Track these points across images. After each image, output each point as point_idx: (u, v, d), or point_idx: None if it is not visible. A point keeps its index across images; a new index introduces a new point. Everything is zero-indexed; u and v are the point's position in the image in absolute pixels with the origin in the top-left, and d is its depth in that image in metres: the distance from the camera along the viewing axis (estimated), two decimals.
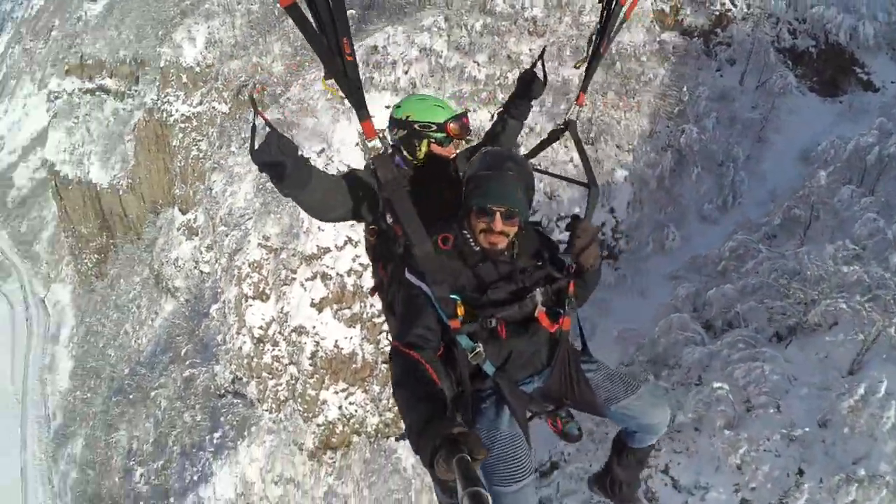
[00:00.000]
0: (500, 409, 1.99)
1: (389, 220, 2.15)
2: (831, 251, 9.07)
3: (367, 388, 12.74)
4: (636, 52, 13.19)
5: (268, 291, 13.22)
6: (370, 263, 2.43)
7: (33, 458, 31.82)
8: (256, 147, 1.63)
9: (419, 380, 1.62)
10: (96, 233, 28.45)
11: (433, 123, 2.28)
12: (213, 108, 17.08)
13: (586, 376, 2.12)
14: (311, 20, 1.37)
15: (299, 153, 1.75)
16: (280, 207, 13.20)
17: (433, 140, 2.31)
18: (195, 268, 18.72)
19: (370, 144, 1.67)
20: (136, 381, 21.89)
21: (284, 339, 13.01)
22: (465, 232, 1.92)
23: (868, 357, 7.60)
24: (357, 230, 12.82)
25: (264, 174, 1.71)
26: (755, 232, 11.07)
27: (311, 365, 12.74)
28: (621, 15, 2.14)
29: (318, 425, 13.38)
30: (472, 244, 1.91)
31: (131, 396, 21.89)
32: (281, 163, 1.68)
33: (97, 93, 24.65)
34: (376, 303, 12.23)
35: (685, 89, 12.94)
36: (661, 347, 9.83)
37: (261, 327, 13.41)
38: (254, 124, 1.59)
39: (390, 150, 1.89)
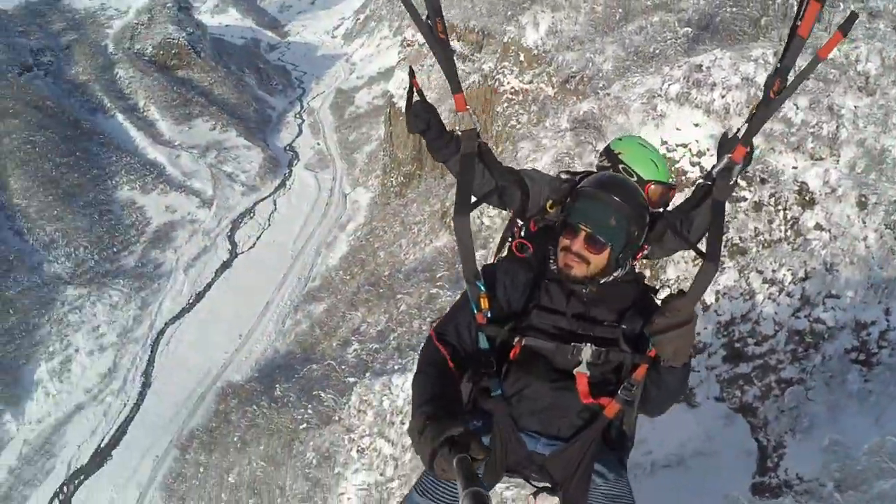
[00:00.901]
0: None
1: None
2: None
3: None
4: None
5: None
6: None
7: (282, 298, 40.42)
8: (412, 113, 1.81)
9: (438, 377, 1.61)
10: (410, 160, 34.68)
11: (636, 174, 2.22)
12: (541, 87, 19.82)
13: (592, 481, 1.81)
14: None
15: (441, 128, 1.85)
16: None
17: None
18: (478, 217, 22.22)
19: (460, 115, 1.77)
20: (391, 281, 25.39)
21: None
22: (551, 247, 1.83)
23: None
24: None
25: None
26: None
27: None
28: (810, 50, 1.81)
29: None
30: (551, 261, 1.81)
31: (381, 291, 25.41)
32: (426, 129, 1.82)
33: None
34: None
35: None
36: (859, 466, 9.08)
37: None
38: (410, 92, 1.76)
39: (478, 128, 1.84)
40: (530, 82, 19.92)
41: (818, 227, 12.60)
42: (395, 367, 17.42)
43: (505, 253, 2.04)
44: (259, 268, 43.68)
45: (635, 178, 2.16)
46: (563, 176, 2.12)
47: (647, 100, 14.42)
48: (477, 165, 1.88)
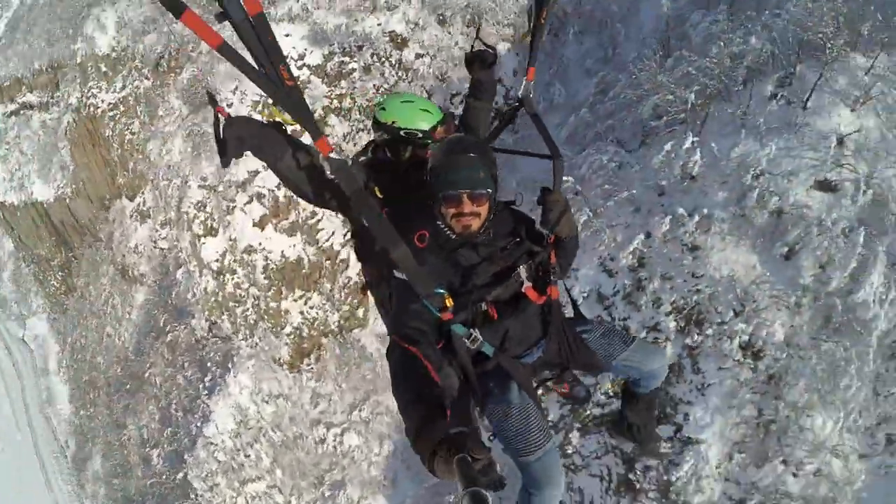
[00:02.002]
0: (507, 385, 2.10)
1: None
2: (671, 63, 10.74)
3: (320, 289, 14.11)
4: None
5: (215, 226, 14.45)
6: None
7: (60, 493, 32.51)
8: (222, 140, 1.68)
9: (417, 379, 1.65)
10: (54, 250, 28.95)
11: (420, 131, 2.27)
12: (137, 87, 17.98)
13: (583, 338, 2.20)
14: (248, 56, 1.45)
15: (245, 124, 1.78)
16: (210, 149, 14.40)
17: (420, 146, 2.31)
18: (155, 247, 19.81)
19: (328, 161, 1.71)
20: (130, 372, 22.60)
21: (238, 264, 14.27)
22: (439, 223, 1.97)
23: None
24: None
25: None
26: (623, 71, 12.62)
27: (266, 279, 14.06)
28: None
29: (288, 335, 14.72)
30: (448, 232, 1.96)
31: (129, 387, 22.74)
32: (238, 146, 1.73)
33: (21, 112, 25.11)
34: (308, 207, 13.57)
35: None
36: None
37: (216, 260, 14.61)
38: (216, 120, 1.68)
39: (350, 161, 1.85)
40: (123, 87, 17.98)
41: (418, 55, 13.84)
42: (198, 423, 16.48)
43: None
44: None
45: (421, 136, 2.26)
46: (361, 159, 2.33)
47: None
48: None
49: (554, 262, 2.06)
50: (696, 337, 8.73)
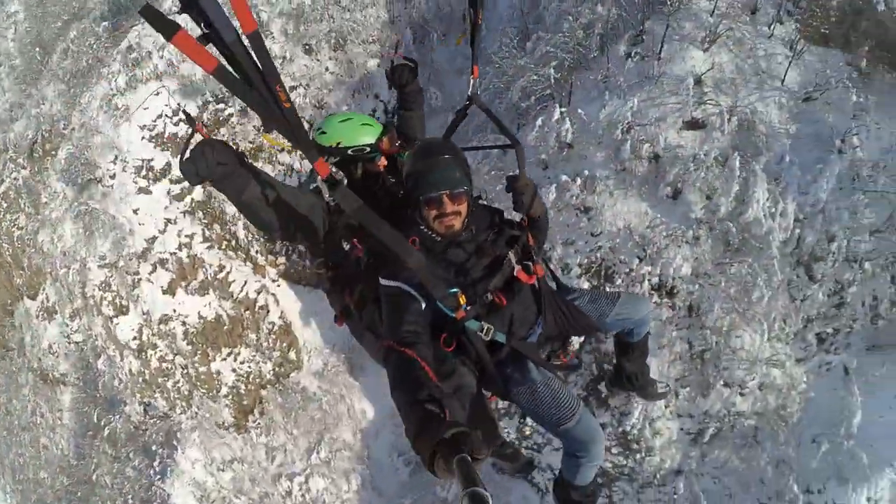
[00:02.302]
0: (525, 367, 2.18)
1: (346, 245, 2.17)
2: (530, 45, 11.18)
3: (246, 341, 13.64)
4: None
5: (125, 303, 13.77)
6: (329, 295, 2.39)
7: None
8: (191, 157, 1.57)
9: (415, 380, 1.66)
10: None
11: (367, 146, 2.30)
12: (15, 178, 17.00)
13: (575, 305, 2.39)
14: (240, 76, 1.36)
15: (238, 159, 1.69)
16: (100, 225, 13.75)
17: (369, 160, 2.34)
18: (69, 343, 18.66)
19: (322, 182, 1.69)
20: (76, 479, 21.46)
21: (157, 336, 13.63)
22: (423, 227, 2.05)
23: None
24: (173, 209, 13.63)
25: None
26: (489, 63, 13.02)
27: (189, 345, 13.48)
28: None
29: (225, 397, 14.14)
30: (434, 235, 2.04)
31: (80, 495, 21.36)
32: (212, 173, 1.62)
33: None
34: (214, 263, 13.14)
35: None
36: None
37: (134, 338, 13.92)
38: (189, 136, 1.58)
39: (345, 181, 1.85)
40: (1, 182, 17.05)
41: (292, 88, 13.74)
42: None
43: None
44: None
45: (368, 150, 2.30)
46: (312, 186, 2.22)
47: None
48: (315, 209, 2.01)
49: (532, 242, 2.21)
50: (609, 289, 9.00)
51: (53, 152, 16.56)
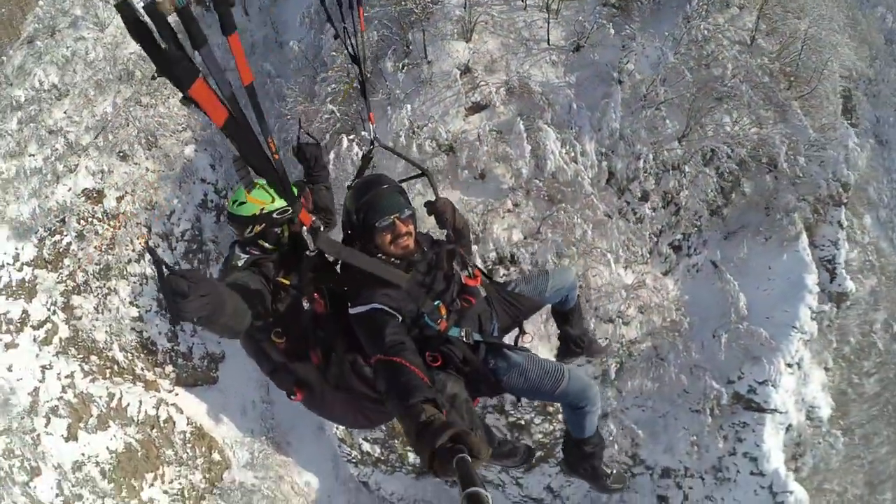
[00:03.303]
0: (504, 355, 2.29)
1: (306, 304, 2.14)
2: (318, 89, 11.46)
3: (166, 460, 13.29)
4: None
5: (34, 464, 13.23)
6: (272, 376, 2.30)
7: None
8: (176, 302, 1.48)
9: (408, 384, 1.69)
10: None
11: (275, 206, 2.25)
12: None
13: (517, 293, 2.59)
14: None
15: (210, 280, 1.64)
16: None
17: (290, 221, 2.30)
18: None
19: (307, 233, 1.75)
20: None
21: (76, 485, 13.13)
22: (380, 256, 2.13)
23: None
24: (45, 355, 13.20)
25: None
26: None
27: (110, 483, 13.06)
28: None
29: None
30: (392, 260, 2.13)
31: None
32: (203, 303, 1.56)
33: None
34: (102, 395, 12.77)
35: None
36: None
37: (57, 495, 13.30)
38: (161, 276, 1.47)
39: (322, 228, 1.84)
40: None
41: (118, 198, 13.15)
42: None
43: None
44: None
45: (291, 210, 2.16)
46: (238, 263, 2.23)
47: None
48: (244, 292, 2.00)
49: (462, 250, 2.39)
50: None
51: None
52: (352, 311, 2.06)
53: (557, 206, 9.41)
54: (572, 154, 9.46)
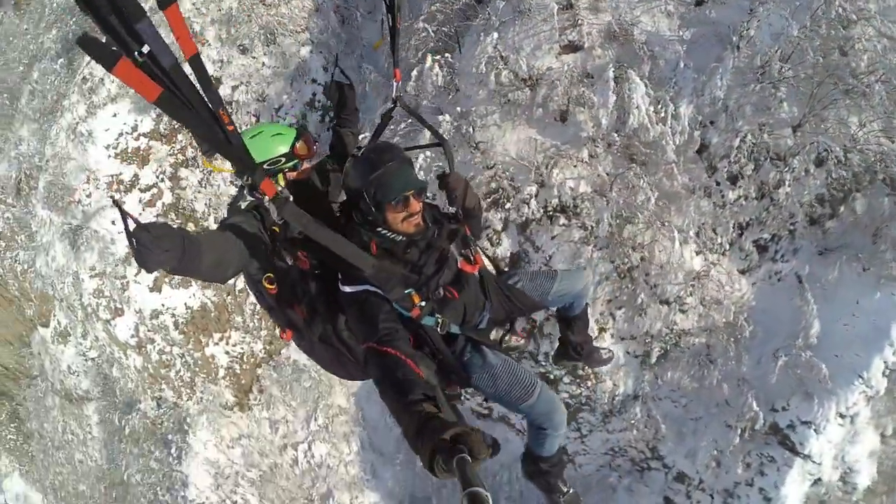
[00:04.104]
0: (481, 353, 2.25)
1: (289, 259, 2.12)
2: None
3: (234, 324, 14.98)
4: None
5: (118, 306, 15.20)
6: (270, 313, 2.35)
7: None
8: (139, 252, 1.49)
9: (405, 380, 1.65)
10: None
11: (282, 156, 2.21)
12: (8, 218, 18.41)
13: (517, 287, 2.47)
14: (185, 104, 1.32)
15: (179, 235, 1.62)
16: (84, 240, 15.15)
17: (287, 170, 2.26)
18: (86, 360, 20.26)
19: (269, 202, 1.68)
20: (111, 482, 22.55)
21: (152, 331, 15.05)
22: (382, 230, 2.06)
23: None
24: (147, 215, 14.98)
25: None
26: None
27: (181, 334, 14.87)
28: None
29: (224, 378, 15.51)
30: (395, 237, 2.06)
31: (116, 497, 22.54)
32: (168, 256, 1.56)
33: None
34: None
35: None
36: None
37: (133, 336, 15.35)
38: (127, 229, 1.47)
39: (291, 198, 1.78)
40: None
41: (234, 87, 14.75)
42: (176, 487, 16.98)
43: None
44: None
45: (284, 160, 2.25)
46: (240, 205, 2.32)
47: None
48: (229, 242, 2.05)
49: (468, 232, 2.31)
50: (512, 215, 9.47)
51: (36, 186, 18.11)
52: (343, 288, 2.02)
53: (629, 167, 8.97)
54: (662, 114, 8.82)
